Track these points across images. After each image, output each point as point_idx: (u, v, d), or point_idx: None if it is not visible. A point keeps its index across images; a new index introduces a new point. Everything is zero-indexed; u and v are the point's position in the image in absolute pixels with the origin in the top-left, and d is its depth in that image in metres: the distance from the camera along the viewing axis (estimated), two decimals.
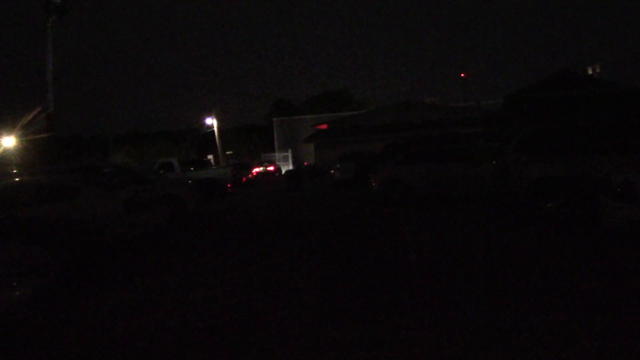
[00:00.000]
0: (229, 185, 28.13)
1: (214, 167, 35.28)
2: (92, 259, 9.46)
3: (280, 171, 54.54)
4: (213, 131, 55.78)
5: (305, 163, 49.85)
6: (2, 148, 41.51)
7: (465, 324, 5.55)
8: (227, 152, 62.52)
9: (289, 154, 60.58)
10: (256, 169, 50.30)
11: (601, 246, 8.97)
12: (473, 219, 12.76)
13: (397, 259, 9.07)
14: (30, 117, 24.82)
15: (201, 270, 9.25)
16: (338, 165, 28.14)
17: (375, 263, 8.85)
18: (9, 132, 43.80)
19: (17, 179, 14.89)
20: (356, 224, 13.62)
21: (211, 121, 56.11)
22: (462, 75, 61.74)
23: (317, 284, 7.71)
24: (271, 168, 53.46)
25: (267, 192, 28.97)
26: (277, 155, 61.36)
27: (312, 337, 5.50)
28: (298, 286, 7.68)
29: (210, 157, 53.87)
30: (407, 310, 6.16)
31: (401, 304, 6.43)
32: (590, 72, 37.06)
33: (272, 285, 7.82)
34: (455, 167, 16.63)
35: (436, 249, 9.72)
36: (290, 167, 55.92)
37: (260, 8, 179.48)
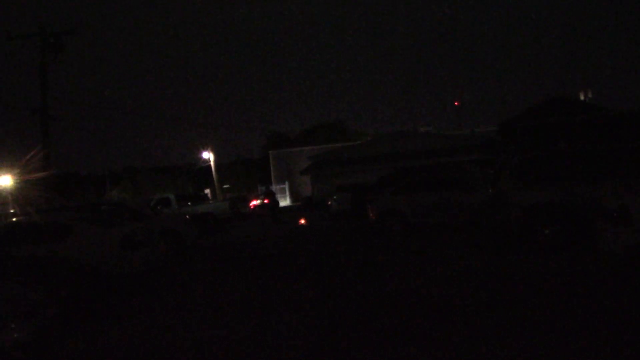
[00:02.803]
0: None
1: (212, 201, 35.24)
2: (88, 298, 9.41)
3: (278, 204, 54.51)
4: (209, 165, 55.91)
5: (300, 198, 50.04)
6: None
7: (467, 353, 5.52)
8: (224, 186, 62.55)
9: (286, 186, 60.65)
10: (253, 202, 50.26)
11: (599, 270, 8.97)
12: (471, 247, 12.74)
13: (395, 290, 9.03)
14: (28, 157, 24.90)
15: (198, 308, 9.18)
16: (335, 197, 28.15)
17: (374, 296, 8.81)
18: (6, 171, 43.86)
19: (13, 219, 14.87)
20: (354, 257, 13.56)
21: (207, 155, 56.27)
22: (456, 103, 62.14)
23: (315, 318, 7.67)
24: (268, 201, 53.43)
25: (265, 225, 28.91)
26: (275, 187, 61.40)
27: None
28: (295, 322, 7.63)
29: (207, 191, 53.89)
30: (407, 340, 6.13)
31: (401, 334, 6.40)
32: (582, 97, 37.40)
33: (269, 322, 7.77)
34: (451, 196, 16.67)
35: (434, 279, 9.68)
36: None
37: (253, 42, 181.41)
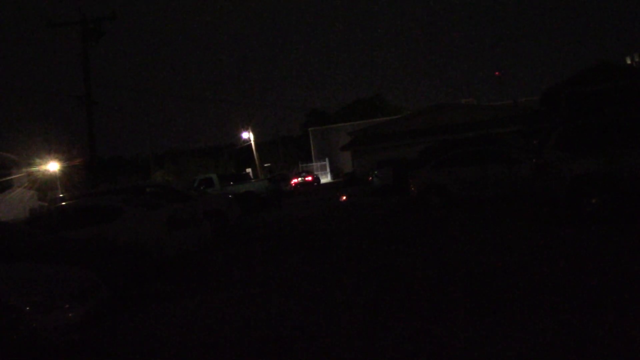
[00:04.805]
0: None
1: (253, 181, 35.51)
2: (138, 280, 9.63)
3: (319, 181, 54.69)
4: (250, 145, 56.31)
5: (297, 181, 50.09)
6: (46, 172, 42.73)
7: (515, 329, 5.47)
8: (265, 165, 63.00)
9: (327, 163, 60.77)
10: (294, 180, 50.60)
11: None
12: (515, 221, 12.55)
13: (441, 265, 8.99)
14: (74, 143, 25.56)
15: (245, 288, 9.27)
16: (376, 172, 28.04)
17: (420, 271, 8.78)
18: (54, 157, 45.13)
19: (64, 203, 15.30)
20: (398, 233, 13.54)
21: (247, 135, 56.64)
22: (496, 73, 60.49)
23: (356, 296, 7.70)
24: (309, 178, 53.67)
25: (307, 202, 29.05)
26: (315, 165, 61.60)
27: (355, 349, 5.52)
28: (338, 300, 7.65)
29: (248, 170, 54.37)
30: (450, 316, 6.11)
31: (445, 310, 6.38)
32: (629, 61, 36.26)
33: (313, 299, 7.83)
34: (494, 169, 16.38)
35: (479, 254, 9.57)
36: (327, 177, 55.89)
37: (289, 20, 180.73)
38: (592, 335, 5.02)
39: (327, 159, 60.64)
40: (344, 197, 28.06)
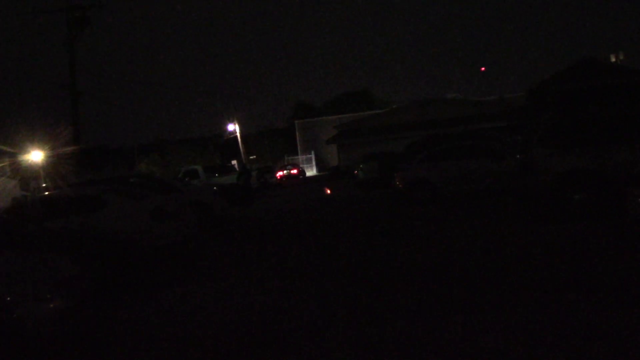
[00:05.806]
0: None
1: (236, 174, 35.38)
2: (122, 270, 9.58)
3: (304, 174, 54.62)
4: (236, 137, 56.11)
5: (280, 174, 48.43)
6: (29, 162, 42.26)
7: (496, 324, 5.52)
8: (251, 157, 62.78)
9: (312, 155, 60.71)
10: (280, 172, 50.49)
11: (629, 238, 8.83)
12: (499, 216, 12.63)
13: (424, 260, 9.03)
14: (58, 132, 25.21)
15: (229, 278, 9.28)
16: (361, 166, 28.05)
17: (404, 267, 8.83)
18: (37, 147, 44.65)
19: (47, 192, 15.17)
20: (384, 228, 13.57)
21: (233, 127, 56.41)
22: (482, 69, 59.56)
23: (338, 287, 7.73)
24: (295, 171, 53.56)
25: (292, 195, 29.03)
26: (301, 157, 61.51)
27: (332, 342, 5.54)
28: (324, 293, 7.68)
29: (234, 162, 54.16)
30: (433, 311, 6.15)
31: (425, 304, 6.42)
32: (613, 59, 36.49)
33: (296, 290, 7.85)
34: (480, 163, 16.44)
35: (464, 248, 9.63)
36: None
37: (277, 11, 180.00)
38: (579, 328, 5.08)
39: (312, 152, 60.58)
40: (329, 191, 28.07)
